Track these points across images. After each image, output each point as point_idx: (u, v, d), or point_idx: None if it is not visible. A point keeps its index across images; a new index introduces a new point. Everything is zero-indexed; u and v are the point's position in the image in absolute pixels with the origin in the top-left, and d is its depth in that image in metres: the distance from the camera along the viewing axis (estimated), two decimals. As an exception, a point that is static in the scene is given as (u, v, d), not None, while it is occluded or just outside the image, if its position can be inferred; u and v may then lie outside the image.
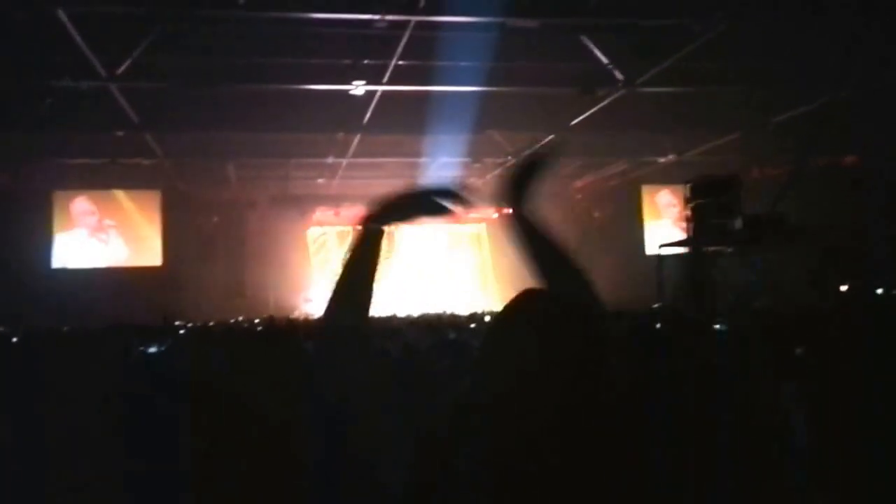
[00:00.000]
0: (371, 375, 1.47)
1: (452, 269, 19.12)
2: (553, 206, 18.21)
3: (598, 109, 11.01)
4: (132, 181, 15.60)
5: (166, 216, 16.80)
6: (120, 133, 11.60)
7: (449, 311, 14.39)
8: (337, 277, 1.45)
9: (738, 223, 9.29)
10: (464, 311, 14.07)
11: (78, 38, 7.90)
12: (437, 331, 8.22)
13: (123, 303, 13.34)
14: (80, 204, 16.52)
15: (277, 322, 11.29)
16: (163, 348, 4.64)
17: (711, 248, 10.01)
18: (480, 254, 19.91)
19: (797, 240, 9.70)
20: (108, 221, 16.68)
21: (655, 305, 9.53)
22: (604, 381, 1.19)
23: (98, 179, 15.28)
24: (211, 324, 11.43)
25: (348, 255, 1.46)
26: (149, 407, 2.45)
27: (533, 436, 1.14)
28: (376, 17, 7.75)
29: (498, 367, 1.22)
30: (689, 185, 10.04)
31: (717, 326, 5.44)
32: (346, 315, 1.43)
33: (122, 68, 8.84)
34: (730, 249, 10.25)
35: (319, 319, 1.48)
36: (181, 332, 8.09)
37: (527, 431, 1.14)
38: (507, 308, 1.28)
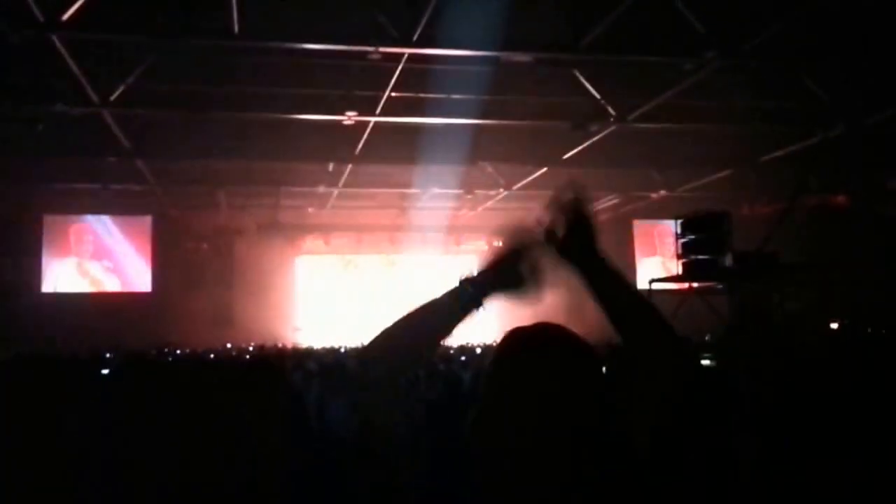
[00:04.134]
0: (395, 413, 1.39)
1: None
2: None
3: (591, 144, 11.08)
4: (123, 207, 15.57)
5: (156, 242, 16.74)
6: (112, 159, 11.59)
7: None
8: (409, 313, 1.34)
9: (728, 259, 9.29)
10: (454, 342, 13.99)
11: (71, 64, 7.90)
12: (427, 361, 8.15)
13: (112, 329, 13.28)
14: (73, 229, 16.43)
15: (267, 351, 11.18)
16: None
17: (698, 285, 10.01)
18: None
19: (787, 277, 9.70)
20: (99, 247, 16.57)
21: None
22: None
23: (89, 204, 15.26)
24: (199, 351, 11.31)
25: (436, 300, 1.37)
26: (131, 439, 2.37)
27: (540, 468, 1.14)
28: (370, 48, 7.79)
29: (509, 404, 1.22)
30: (679, 221, 10.06)
31: (705, 362, 5.41)
32: (399, 350, 1.35)
33: (116, 94, 8.84)
34: (720, 286, 10.23)
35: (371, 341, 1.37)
36: (169, 359, 7.97)
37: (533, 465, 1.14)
38: (514, 344, 1.25)
